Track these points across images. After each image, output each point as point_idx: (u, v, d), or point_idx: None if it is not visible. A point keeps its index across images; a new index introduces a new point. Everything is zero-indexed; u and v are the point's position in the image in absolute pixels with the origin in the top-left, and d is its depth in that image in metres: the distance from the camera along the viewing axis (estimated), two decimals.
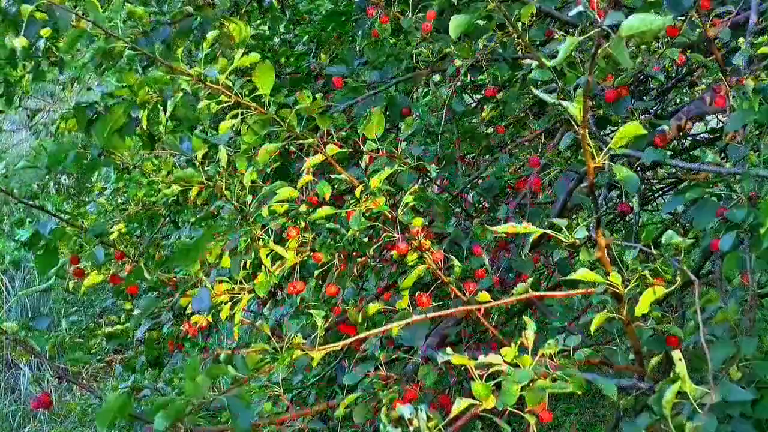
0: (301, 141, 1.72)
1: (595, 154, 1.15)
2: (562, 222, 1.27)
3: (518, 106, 2.41)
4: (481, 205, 2.94)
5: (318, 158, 1.73)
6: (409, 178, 1.85)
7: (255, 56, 1.65)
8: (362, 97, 2.21)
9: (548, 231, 1.27)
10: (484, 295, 1.51)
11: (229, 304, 1.78)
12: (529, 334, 1.27)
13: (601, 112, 2.03)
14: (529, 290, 1.42)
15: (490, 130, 2.82)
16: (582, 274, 1.27)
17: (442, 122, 2.21)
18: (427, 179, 2.27)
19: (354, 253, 1.82)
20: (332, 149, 1.74)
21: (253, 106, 1.71)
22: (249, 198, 1.66)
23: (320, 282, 1.91)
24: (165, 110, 1.87)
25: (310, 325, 1.91)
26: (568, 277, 1.29)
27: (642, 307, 1.26)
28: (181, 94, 1.83)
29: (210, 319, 1.83)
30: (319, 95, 1.77)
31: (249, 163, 1.74)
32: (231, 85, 1.67)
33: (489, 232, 1.77)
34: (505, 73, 2.24)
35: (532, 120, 2.38)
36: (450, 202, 2.18)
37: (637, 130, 1.08)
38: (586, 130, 1.08)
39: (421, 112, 2.13)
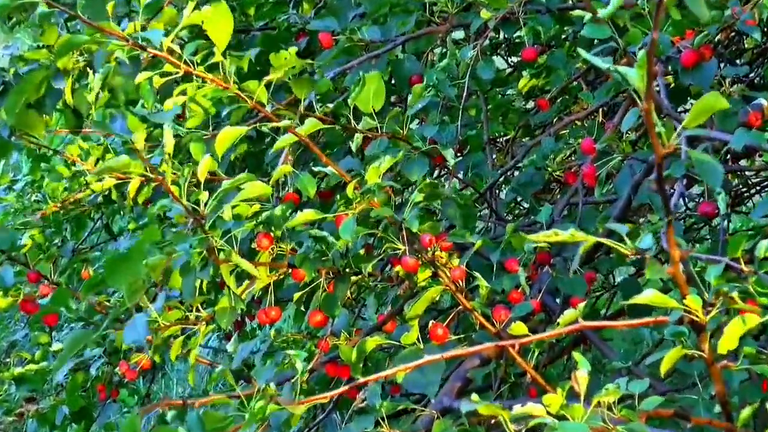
0: (275, 124, 1.74)
1: (664, 137, 1.15)
2: (622, 228, 1.27)
3: (567, 73, 2.38)
4: (517, 205, 2.96)
5: (288, 139, 1.73)
6: (419, 168, 1.86)
7: (214, 5, 1.66)
8: (358, 60, 2.22)
9: (604, 240, 1.27)
10: (519, 327, 1.51)
11: (181, 338, 1.80)
12: (581, 377, 1.29)
13: (678, 82, 2.03)
14: (581, 319, 1.42)
15: (530, 104, 2.84)
16: (649, 297, 1.28)
17: (465, 94, 2.21)
18: (445, 170, 2.28)
19: (347, 270, 1.82)
20: (311, 124, 1.73)
21: (208, 77, 1.73)
22: (204, 195, 1.67)
23: (302, 308, 1.92)
24: (94, 80, 1.90)
25: (289, 366, 1.93)
26: (630, 301, 1.30)
27: (729, 341, 1.26)
28: (114, 63, 1.85)
29: (156, 359, 1.85)
30: (292, 50, 1.76)
31: (206, 149, 1.76)
32: (179, 51, 1.69)
33: (526, 240, 1.74)
34: (549, 29, 2.24)
35: (586, 91, 2.36)
36: (475, 201, 2.19)
37: (717, 104, 1.08)
38: (652, 104, 1.09)
39: (437, 81, 2.13)
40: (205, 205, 1.66)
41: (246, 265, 1.69)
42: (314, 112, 1.81)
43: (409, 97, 1.93)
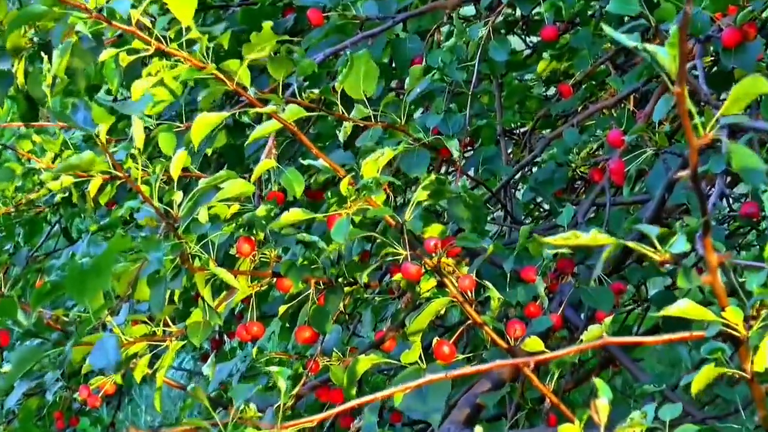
0: (258, 109, 1.74)
1: (700, 127, 1.15)
2: (653, 230, 1.27)
3: (592, 55, 2.36)
4: (535, 207, 2.97)
5: (269, 127, 1.73)
6: (419, 163, 1.87)
7: None
8: (352, 39, 2.22)
9: (631, 244, 1.27)
10: (535, 342, 1.51)
11: (148, 356, 1.80)
12: (602, 405, 1.28)
13: (719, 65, 2.04)
14: (605, 335, 1.42)
15: (550, 91, 2.87)
16: (683, 308, 1.27)
17: (475, 79, 2.20)
18: (452, 167, 2.29)
19: (339, 280, 1.82)
20: (293, 111, 1.72)
21: (182, 55, 1.73)
22: (178, 195, 1.67)
23: (288, 323, 1.92)
24: (51, 61, 1.89)
25: (273, 390, 1.93)
26: (662, 313, 1.30)
27: (764, 356, 1.27)
28: (75, 38, 1.84)
29: (119, 381, 1.84)
30: (268, 24, 1.76)
31: (179, 142, 1.78)
32: (150, 26, 1.69)
33: (543, 245, 1.75)
34: (572, 5, 2.25)
35: (614, 76, 2.36)
36: (487, 201, 2.20)
37: (759, 87, 1.08)
38: (685, 89, 1.09)
39: (443, 63, 2.13)
40: (179, 206, 1.66)
41: (223, 274, 1.69)
42: (299, 98, 1.82)
43: (407, 82, 1.92)
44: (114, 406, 3.09)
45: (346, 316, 2.08)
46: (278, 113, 1.73)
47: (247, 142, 1.84)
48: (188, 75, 1.77)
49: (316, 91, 1.85)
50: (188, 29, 1.70)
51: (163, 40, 1.71)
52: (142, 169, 1.69)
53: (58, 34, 1.90)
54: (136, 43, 1.73)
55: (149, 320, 1.79)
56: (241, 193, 1.72)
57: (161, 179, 1.70)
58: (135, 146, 1.71)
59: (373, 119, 1.86)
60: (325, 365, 1.91)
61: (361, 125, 1.87)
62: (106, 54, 1.77)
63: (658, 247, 1.26)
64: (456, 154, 1.87)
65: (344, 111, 1.84)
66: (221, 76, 1.75)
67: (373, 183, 1.64)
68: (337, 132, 1.86)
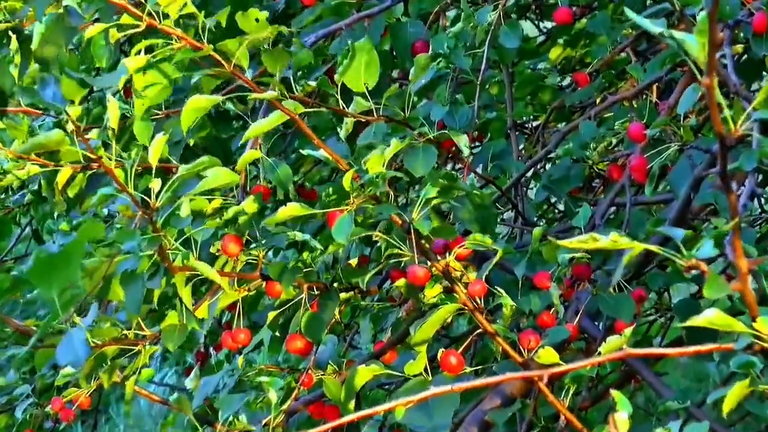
0: (257, 95, 1.74)
1: (730, 120, 1.14)
2: (677, 232, 1.25)
3: (611, 41, 2.37)
4: (549, 207, 2.97)
5: (271, 121, 1.73)
6: (425, 159, 1.86)
7: None
8: (347, 21, 2.22)
9: (654, 248, 1.26)
10: (549, 353, 1.51)
11: (119, 361, 1.80)
12: (620, 420, 1.28)
13: (749, 53, 2.04)
14: (626, 346, 1.42)
15: (565, 80, 2.84)
16: (710, 318, 1.27)
17: (484, 67, 2.19)
18: (458, 164, 2.29)
19: (335, 285, 1.82)
20: (291, 106, 1.73)
21: (177, 33, 1.73)
22: (157, 183, 1.66)
23: (279, 333, 1.91)
24: (20, 41, 1.90)
25: (262, 405, 1.92)
26: (687, 323, 1.29)
27: None
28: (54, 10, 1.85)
29: (93, 387, 1.85)
30: (263, 15, 1.76)
31: (157, 128, 1.76)
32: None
33: (558, 249, 1.75)
34: None
35: (635, 64, 2.34)
36: (496, 200, 2.18)
37: None
38: (715, 79, 1.09)
39: (448, 50, 2.11)
40: (157, 196, 1.65)
41: (207, 270, 1.69)
42: (293, 92, 1.81)
43: (412, 71, 1.92)
44: (90, 425, 3.08)
45: (343, 326, 2.09)
46: (280, 100, 1.74)
47: (242, 140, 1.84)
48: (183, 55, 1.76)
49: (313, 83, 1.84)
50: (184, 5, 1.70)
51: (156, 15, 1.70)
52: (117, 159, 1.67)
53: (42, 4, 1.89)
54: (126, 18, 1.72)
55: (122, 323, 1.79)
56: (226, 183, 1.72)
57: (137, 166, 1.69)
58: (109, 127, 1.70)
59: (374, 113, 1.86)
60: (320, 379, 1.90)
61: (363, 120, 1.88)
62: (93, 29, 1.76)
63: (683, 251, 1.25)
64: (466, 152, 1.86)
65: (344, 105, 1.84)
66: (218, 57, 1.75)
67: (379, 178, 1.64)
68: (338, 129, 1.86)
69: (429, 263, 1.66)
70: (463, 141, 1.86)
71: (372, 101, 1.84)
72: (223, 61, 1.74)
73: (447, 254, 1.67)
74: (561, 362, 1.50)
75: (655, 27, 1.15)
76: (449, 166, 2.55)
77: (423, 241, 1.67)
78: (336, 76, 1.82)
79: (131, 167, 1.66)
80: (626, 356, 1.41)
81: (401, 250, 1.67)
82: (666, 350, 1.51)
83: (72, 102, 1.77)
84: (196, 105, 1.70)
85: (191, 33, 1.74)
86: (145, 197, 1.64)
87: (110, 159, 1.64)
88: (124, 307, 1.73)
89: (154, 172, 1.65)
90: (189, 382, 1.93)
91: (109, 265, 1.67)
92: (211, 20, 1.73)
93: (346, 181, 1.64)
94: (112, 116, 1.69)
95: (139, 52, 1.73)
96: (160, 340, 1.78)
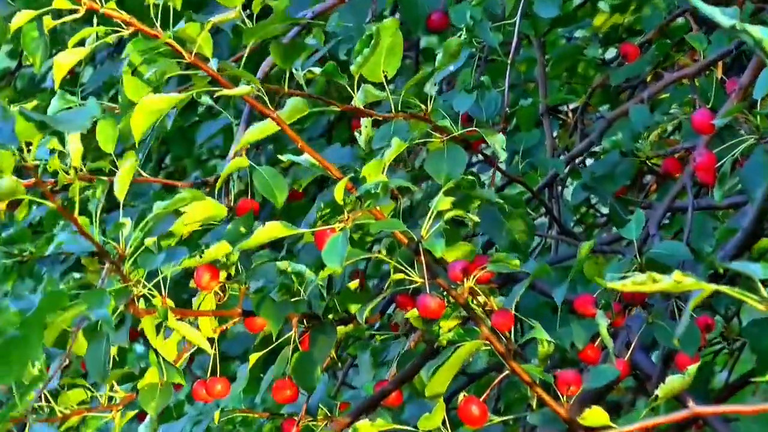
0: (226, 91, 1.67)
1: None
2: (755, 269, 1.12)
3: (666, 5, 2.31)
4: (590, 210, 2.94)
5: (261, 130, 1.69)
6: (452, 164, 1.77)
7: None
8: None
9: (726, 289, 1.11)
10: (596, 414, 1.50)
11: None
12: None
13: None
14: (692, 403, 1.28)
15: (610, 53, 2.80)
16: None
17: (516, 42, 2.13)
18: (480, 160, 2.22)
19: (329, 317, 1.76)
20: (295, 107, 1.69)
21: (125, 18, 1.65)
22: (127, 223, 1.61)
23: (262, 374, 1.84)
24: None
25: None
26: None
27: None
28: None
29: None
30: (282, 2, 1.73)
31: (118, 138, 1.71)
32: None
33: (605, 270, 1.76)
34: None
35: (697, 33, 2.23)
36: (526, 203, 2.08)
37: None
38: None
39: (471, 22, 2.02)
40: (126, 239, 1.62)
41: (185, 330, 1.67)
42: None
43: (439, 55, 1.81)
44: None
45: (336, 361, 2.01)
46: (251, 95, 1.69)
47: (232, 152, 1.85)
48: (135, 47, 1.70)
49: (316, 70, 1.78)
50: None
51: None
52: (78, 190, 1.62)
53: None
54: (59, 2, 1.62)
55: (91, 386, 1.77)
56: (210, 217, 1.68)
57: (101, 196, 1.65)
58: (71, 165, 1.67)
59: (393, 108, 1.78)
60: (307, 426, 1.84)
61: (381, 119, 1.82)
62: (22, 17, 1.67)
63: (763, 292, 1.15)
64: (502, 156, 1.79)
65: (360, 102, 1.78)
66: (176, 45, 1.68)
67: (379, 188, 1.60)
68: (357, 135, 1.81)
69: (443, 291, 1.62)
70: (499, 142, 1.81)
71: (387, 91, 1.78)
72: (182, 50, 1.68)
73: (465, 279, 1.62)
74: (613, 425, 1.50)
75: (725, 18, 1.10)
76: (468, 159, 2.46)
77: (435, 263, 1.63)
78: (353, 68, 1.75)
79: (96, 209, 1.62)
80: (693, 415, 1.28)
81: (409, 275, 1.63)
82: (744, 407, 1.36)
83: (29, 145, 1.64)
84: (150, 107, 1.63)
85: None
86: (112, 241, 1.62)
87: (74, 204, 1.59)
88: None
89: (121, 211, 1.62)
90: (142, 430, 1.81)
91: (70, 319, 1.62)
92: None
93: (338, 192, 1.60)
94: (75, 151, 1.66)
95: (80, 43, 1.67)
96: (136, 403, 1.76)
